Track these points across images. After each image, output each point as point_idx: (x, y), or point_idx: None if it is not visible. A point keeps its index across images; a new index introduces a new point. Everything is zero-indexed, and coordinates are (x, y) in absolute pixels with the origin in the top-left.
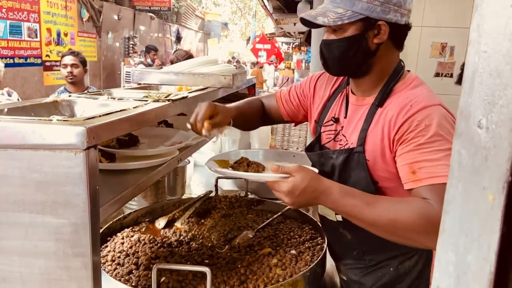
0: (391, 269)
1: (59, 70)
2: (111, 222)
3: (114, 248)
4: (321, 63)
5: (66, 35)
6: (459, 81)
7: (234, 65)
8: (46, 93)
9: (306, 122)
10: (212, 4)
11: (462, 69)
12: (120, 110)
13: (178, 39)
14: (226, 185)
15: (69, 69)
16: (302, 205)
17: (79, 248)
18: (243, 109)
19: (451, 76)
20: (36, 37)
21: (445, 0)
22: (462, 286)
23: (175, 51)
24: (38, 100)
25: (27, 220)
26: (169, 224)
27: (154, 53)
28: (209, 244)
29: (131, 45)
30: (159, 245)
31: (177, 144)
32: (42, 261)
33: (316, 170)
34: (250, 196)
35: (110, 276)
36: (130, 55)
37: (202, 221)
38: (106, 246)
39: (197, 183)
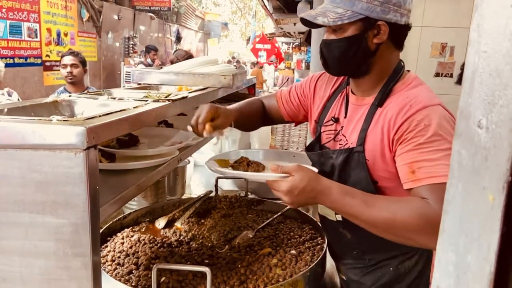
0: (391, 269)
1: (59, 70)
2: (111, 222)
3: (114, 248)
4: (321, 63)
5: (66, 35)
6: (459, 81)
7: (234, 65)
8: (46, 93)
9: (306, 122)
10: (212, 4)
11: (462, 69)
12: (120, 110)
13: (178, 39)
14: (226, 185)
15: (68, 69)
16: (301, 204)
17: (79, 248)
18: (244, 110)
19: (451, 76)
20: (36, 37)
21: (445, 0)
22: (462, 286)
23: (175, 51)
24: (38, 100)
25: (27, 220)
26: (169, 224)
27: (154, 53)
28: (209, 244)
29: (131, 45)
30: (159, 245)
31: (177, 144)
32: (42, 261)
33: (316, 170)
34: (250, 196)
35: (110, 276)
36: (130, 55)
37: (202, 221)
38: (106, 246)
39: (197, 183)
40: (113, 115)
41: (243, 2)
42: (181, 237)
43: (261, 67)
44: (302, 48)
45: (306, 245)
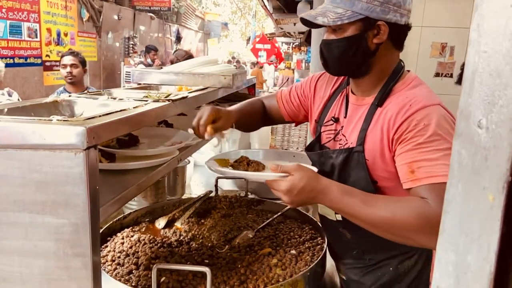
0: (391, 268)
1: (59, 70)
2: (111, 222)
3: (114, 248)
4: (321, 63)
5: (66, 35)
6: (459, 81)
7: (234, 65)
8: (46, 93)
9: (306, 122)
10: (212, 4)
11: (462, 69)
12: (120, 110)
13: (178, 39)
14: (226, 185)
15: (68, 69)
16: (300, 203)
17: (79, 248)
18: (245, 111)
19: (451, 76)
20: (36, 37)
21: (445, 0)
22: (462, 286)
23: (175, 51)
24: (38, 100)
25: (27, 220)
26: (169, 224)
27: (154, 53)
28: (209, 244)
29: (131, 45)
30: (159, 245)
31: (177, 144)
32: (42, 261)
33: (316, 169)
34: (250, 196)
35: (110, 276)
36: (130, 55)
37: (202, 221)
38: (106, 246)
39: (197, 183)
40: (113, 115)
41: (243, 2)
42: (181, 237)
43: (261, 67)
44: (302, 48)
45: (306, 245)
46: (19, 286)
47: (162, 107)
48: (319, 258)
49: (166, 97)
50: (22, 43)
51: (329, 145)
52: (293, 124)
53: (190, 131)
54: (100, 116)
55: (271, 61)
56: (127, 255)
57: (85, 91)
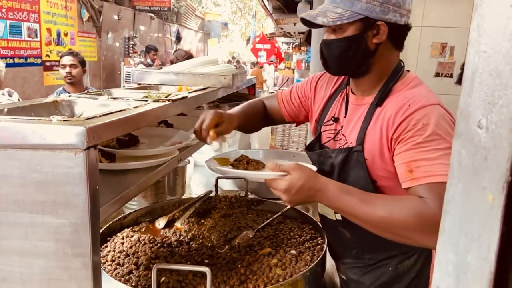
0: (390, 268)
1: (59, 70)
2: (111, 222)
3: (114, 248)
4: (321, 63)
5: (66, 35)
6: (459, 81)
7: (234, 65)
8: (46, 93)
9: (306, 122)
10: (212, 4)
11: (462, 69)
12: (120, 110)
13: (178, 39)
14: (226, 185)
15: (67, 69)
16: (299, 202)
17: (79, 248)
18: (247, 113)
19: (451, 76)
20: (36, 37)
21: (445, 0)
22: (462, 286)
23: (175, 51)
24: (38, 100)
25: (27, 220)
26: (169, 224)
27: (154, 53)
28: (209, 244)
29: (131, 45)
30: (159, 245)
31: (177, 144)
32: (42, 261)
33: (315, 168)
34: (250, 196)
35: (110, 276)
36: (130, 55)
37: (202, 221)
38: (106, 246)
39: (197, 183)
40: (113, 115)
41: (243, 2)
42: (181, 237)
43: (261, 67)
44: (302, 48)
45: (306, 245)
46: (19, 286)
47: (162, 107)
48: (319, 258)
49: (166, 97)
50: (22, 43)
51: (329, 144)
52: (293, 124)
53: (192, 136)
54: (100, 116)
55: (271, 61)
56: (127, 255)
57: (85, 91)
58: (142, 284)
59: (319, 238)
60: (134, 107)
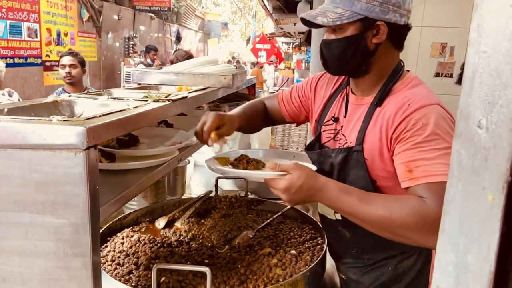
0: (390, 268)
1: (58, 70)
2: (111, 222)
3: (114, 248)
4: (321, 63)
5: (66, 35)
6: (459, 81)
7: (234, 65)
8: (46, 93)
9: (306, 122)
10: (212, 4)
11: (462, 69)
12: (120, 110)
13: (178, 39)
14: (226, 185)
15: (67, 69)
16: (298, 202)
17: (79, 248)
18: (248, 114)
19: (451, 76)
20: (36, 37)
21: (445, 0)
22: (462, 286)
23: (175, 51)
24: (38, 100)
25: (27, 220)
26: (169, 224)
27: (154, 53)
28: (209, 244)
29: (131, 45)
30: (159, 245)
31: (177, 144)
32: (42, 261)
33: (314, 168)
34: (250, 196)
35: (110, 276)
36: (130, 55)
37: (202, 221)
38: (106, 246)
39: (197, 183)
40: (113, 115)
41: (243, 2)
42: (181, 237)
43: (261, 67)
44: (302, 48)
45: (306, 245)
46: (19, 286)
47: (162, 107)
48: (319, 258)
49: (166, 97)
50: (22, 43)
51: (329, 144)
52: (293, 124)
53: (194, 139)
54: (100, 116)
55: (271, 61)
56: (127, 255)
57: (84, 92)
58: (142, 284)
59: (319, 238)
60: (134, 107)
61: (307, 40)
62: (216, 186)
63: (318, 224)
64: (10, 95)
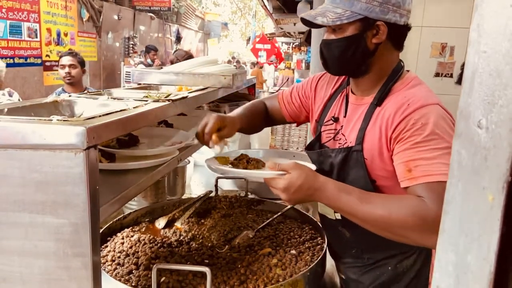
0: (389, 268)
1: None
2: (111, 222)
3: (114, 248)
4: (321, 63)
5: (66, 35)
6: (459, 81)
7: (234, 65)
8: (46, 93)
9: (307, 122)
10: (212, 4)
11: (462, 69)
12: (120, 110)
13: (178, 39)
14: (226, 185)
15: (67, 69)
16: (298, 201)
17: (79, 248)
18: (248, 115)
19: (451, 76)
20: (36, 37)
21: (445, 0)
22: (462, 286)
23: (175, 51)
24: (38, 100)
25: (27, 220)
26: (169, 224)
27: (154, 53)
28: (209, 244)
29: (131, 45)
30: (159, 245)
31: (177, 144)
32: (42, 261)
33: (314, 167)
34: (250, 196)
35: (110, 276)
36: (130, 55)
37: (202, 221)
38: (106, 246)
39: (197, 183)
40: (113, 115)
41: (243, 2)
42: (181, 237)
43: (261, 67)
44: (302, 48)
45: (306, 245)
46: (19, 286)
47: (162, 107)
48: (319, 258)
49: (166, 97)
50: (22, 43)
51: (328, 144)
52: (294, 124)
53: (195, 141)
54: (100, 116)
55: (271, 61)
56: (127, 255)
57: (84, 92)
58: (142, 284)
59: (319, 238)
60: (134, 107)
61: (307, 40)
62: (216, 186)
63: (318, 224)
64: (10, 95)
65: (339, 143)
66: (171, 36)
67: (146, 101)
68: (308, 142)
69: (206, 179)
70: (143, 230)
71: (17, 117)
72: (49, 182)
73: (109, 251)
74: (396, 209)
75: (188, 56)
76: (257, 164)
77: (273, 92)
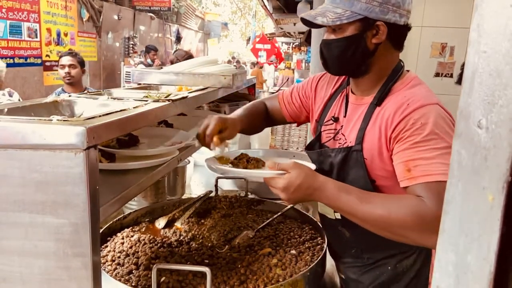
0: (389, 267)
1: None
2: (111, 222)
3: (114, 248)
4: (321, 63)
5: (66, 35)
6: (459, 81)
7: (234, 65)
8: (46, 93)
9: (307, 122)
10: (212, 4)
11: (462, 69)
12: (120, 110)
13: (178, 39)
14: (226, 185)
15: (66, 69)
16: (297, 201)
17: (79, 248)
18: (249, 116)
19: (451, 76)
20: (36, 37)
21: (445, 0)
22: (462, 286)
23: (175, 51)
24: (38, 100)
25: (27, 220)
26: (169, 224)
27: (154, 53)
28: (209, 244)
29: (131, 45)
30: (159, 245)
31: (177, 144)
32: (42, 261)
33: (313, 167)
34: (250, 196)
35: (110, 276)
36: (130, 55)
37: (202, 221)
38: (106, 246)
39: (197, 183)
40: (113, 115)
41: (243, 2)
42: (181, 237)
43: (261, 67)
44: (302, 48)
45: (306, 245)
46: (19, 286)
47: (162, 107)
48: (319, 258)
49: (166, 97)
50: (22, 43)
51: (328, 144)
52: (294, 124)
53: (196, 144)
54: (100, 116)
55: (271, 61)
56: (127, 255)
57: (84, 92)
58: (142, 284)
59: (319, 238)
60: (134, 107)
61: (307, 40)
62: (216, 186)
63: (318, 224)
64: (10, 95)
65: (339, 143)
66: (171, 36)
67: (146, 101)
68: (308, 142)
69: (206, 179)
70: (143, 230)
71: (17, 117)
72: (49, 182)
73: (109, 251)
74: (395, 209)
75: (188, 56)
76: (257, 163)
77: (273, 92)
